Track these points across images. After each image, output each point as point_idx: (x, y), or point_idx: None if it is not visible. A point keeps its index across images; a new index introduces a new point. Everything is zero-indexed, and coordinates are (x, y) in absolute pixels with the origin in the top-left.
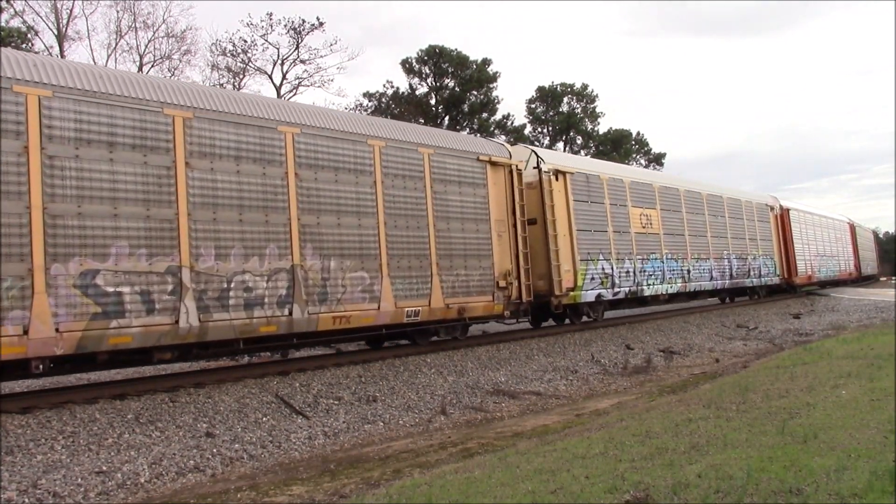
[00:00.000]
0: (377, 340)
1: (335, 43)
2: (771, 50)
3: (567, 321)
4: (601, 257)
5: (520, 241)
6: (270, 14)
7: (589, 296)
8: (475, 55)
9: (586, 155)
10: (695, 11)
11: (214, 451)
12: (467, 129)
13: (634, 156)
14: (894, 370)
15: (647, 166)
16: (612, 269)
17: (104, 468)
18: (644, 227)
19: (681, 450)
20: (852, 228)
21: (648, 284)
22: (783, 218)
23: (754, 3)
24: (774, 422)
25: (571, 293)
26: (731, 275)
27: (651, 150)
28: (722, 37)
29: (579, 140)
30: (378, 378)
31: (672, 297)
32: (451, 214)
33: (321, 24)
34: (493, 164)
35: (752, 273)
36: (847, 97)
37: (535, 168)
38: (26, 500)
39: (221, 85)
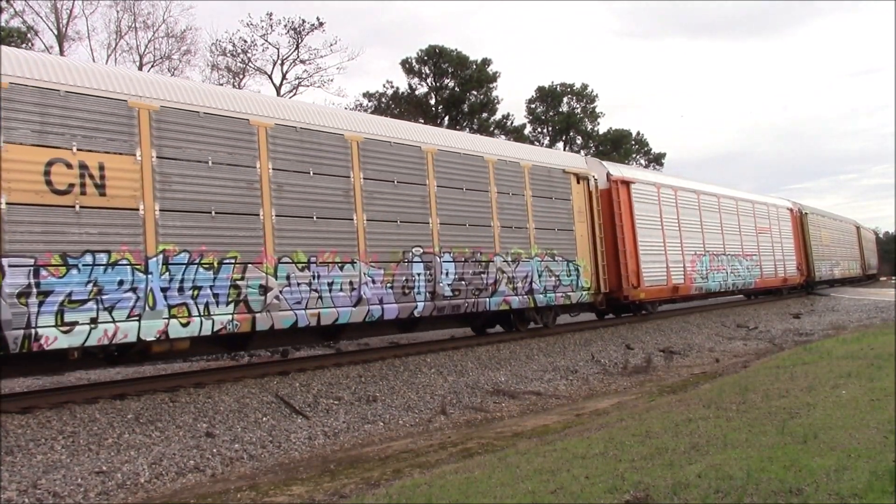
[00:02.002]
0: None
1: (335, 43)
2: (771, 50)
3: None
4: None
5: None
6: (270, 14)
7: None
8: (475, 55)
9: (586, 155)
10: (695, 13)
11: (214, 451)
12: (467, 129)
13: (634, 156)
14: (894, 370)
15: (646, 166)
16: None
17: (104, 468)
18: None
19: (681, 450)
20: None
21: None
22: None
23: (754, 3)
24: (774, 422)
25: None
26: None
27: (651, 150)
28: (722, 39)
29: (579, 140)
30: (378, 378)
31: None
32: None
33: (321, 24)
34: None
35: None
36: (847, 97)
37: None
38: (26, 500)
39: (221, 84)
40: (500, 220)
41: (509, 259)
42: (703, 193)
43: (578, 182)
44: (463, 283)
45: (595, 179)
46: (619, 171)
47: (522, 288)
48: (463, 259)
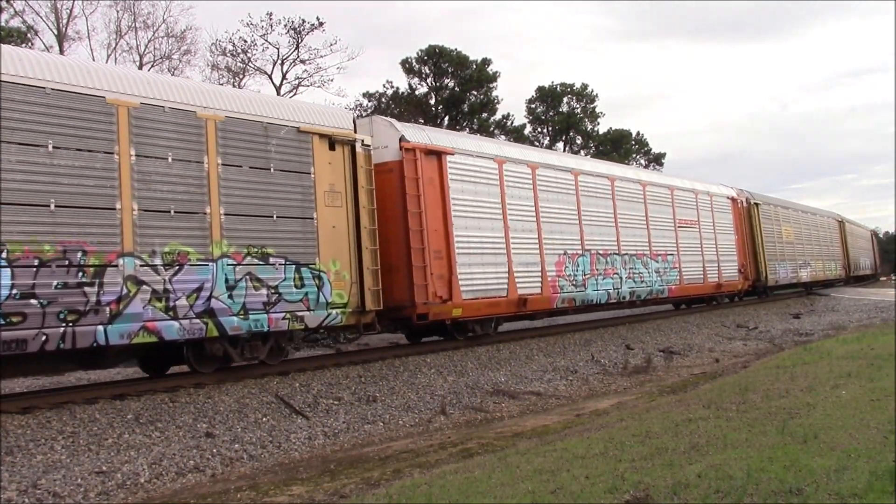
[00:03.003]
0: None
1: (335, 43)
2: (770, 50)
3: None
4: None
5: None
6: (270, 14)
7: None
8: (475, 55)
9: (586, 155)
10: (695, 13)
11: (214, 451)
12: (467, 129)
13: (634, 156)
14: (894, 370)
15: (646, 166)
16: None
17: (104, 468)
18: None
19: (681, 450)
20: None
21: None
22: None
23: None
24: (774, 422)
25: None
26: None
27: (651, 150)
28: (722, 40)
29: (579, 140)
30: (378, 378)
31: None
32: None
33: (321, 24)
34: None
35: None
36: (847, 97)
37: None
38: (26, 500)
39: (221, 84)
40: (137, 202)
41: (157, 262)
42: (586, 174)
43: (333, 148)
44: (33, 301)
45: (366, 146)
46: (423, 135)
47: (191, 307)
48: (35, 262)
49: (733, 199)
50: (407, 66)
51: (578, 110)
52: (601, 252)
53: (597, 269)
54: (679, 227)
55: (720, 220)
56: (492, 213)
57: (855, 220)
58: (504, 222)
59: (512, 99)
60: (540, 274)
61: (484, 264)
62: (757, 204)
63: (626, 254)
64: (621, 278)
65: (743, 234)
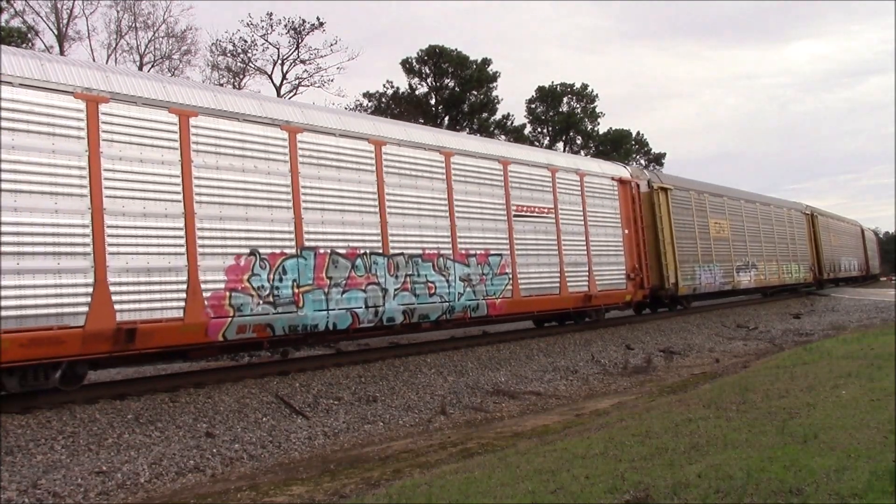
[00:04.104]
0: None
1: (335, 43)
2: (770, 50)
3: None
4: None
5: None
6: (270, 14)
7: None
8: (475, 55)
9: (586, 155)
10: (695, 14)
11: (214, 451)
12: (467, 129)
13: (634, 156)
14: (894, 370)
15: (646, 166)
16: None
17: (104, 468)
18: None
19: (681, 450)
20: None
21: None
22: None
23: (754, 4)
24: (774, 422)
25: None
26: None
27: (651, 150)
28: (721, 40)
29: (579, 140)
30: (378, 378)
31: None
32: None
33: (321, 24)
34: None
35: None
36: (847, 97)
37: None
38: (26, 500)
39: (221, 84)
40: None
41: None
42: (311, 131)
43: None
44: None
45: None
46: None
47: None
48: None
49: (622, 181)
50: (407, 66)
51: (578, 110)
52: (344, 251)
53: (331, 277)
54: (516, 215)
55: (597, 209)
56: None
57: (840, 213)
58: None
59: (512, 99)
60: (185, 285)
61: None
62: (665, 189)
63: (402, 254)
64: (385, 290)
65: (639, 227)
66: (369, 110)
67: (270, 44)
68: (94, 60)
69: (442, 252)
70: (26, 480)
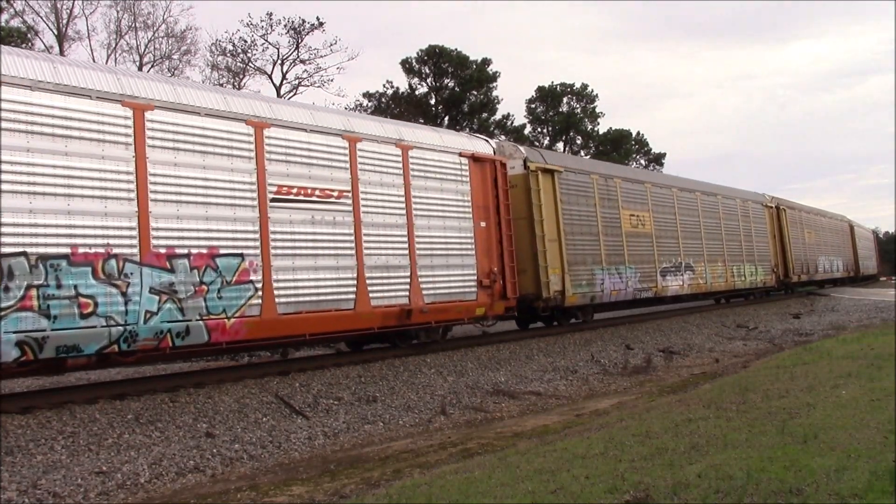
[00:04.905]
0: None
1: (335, 43)
2: (770, 50)
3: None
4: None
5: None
6: (270, 14)
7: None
8: (475, 55)
9: (586, 155)
10: (694, 14)
11: (214, 451)
12: (467, 129)
13: (634, 156)
14: (894, 370)
15: (646, 166)
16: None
17: (104, 468)
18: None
19: (681, 450)
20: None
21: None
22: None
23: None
24: (774, 422)
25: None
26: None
27: (651, 150)
28: (721, 40)
29: (579, 140)
30: (378, 378)
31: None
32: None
33: (321, 24)
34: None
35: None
36: (847, 97)
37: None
38: (26, 501)
39: (222, 85)
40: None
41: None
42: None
43: None
44: None
45: None
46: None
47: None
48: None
49: (476, 159)
50: (407, 66)
51: (578, 110)
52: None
53: None
54: (277, 200)
55: (431, 194)
56: None
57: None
58: None
59: (512, 99)
60: None
61: None
62: (549, 171)
63: (23, 253)
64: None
65: (503, 219)
66: (369, 110)
67: (270, 44)
68: (94, 61)
69: (115, 251)
70: (26, 480)
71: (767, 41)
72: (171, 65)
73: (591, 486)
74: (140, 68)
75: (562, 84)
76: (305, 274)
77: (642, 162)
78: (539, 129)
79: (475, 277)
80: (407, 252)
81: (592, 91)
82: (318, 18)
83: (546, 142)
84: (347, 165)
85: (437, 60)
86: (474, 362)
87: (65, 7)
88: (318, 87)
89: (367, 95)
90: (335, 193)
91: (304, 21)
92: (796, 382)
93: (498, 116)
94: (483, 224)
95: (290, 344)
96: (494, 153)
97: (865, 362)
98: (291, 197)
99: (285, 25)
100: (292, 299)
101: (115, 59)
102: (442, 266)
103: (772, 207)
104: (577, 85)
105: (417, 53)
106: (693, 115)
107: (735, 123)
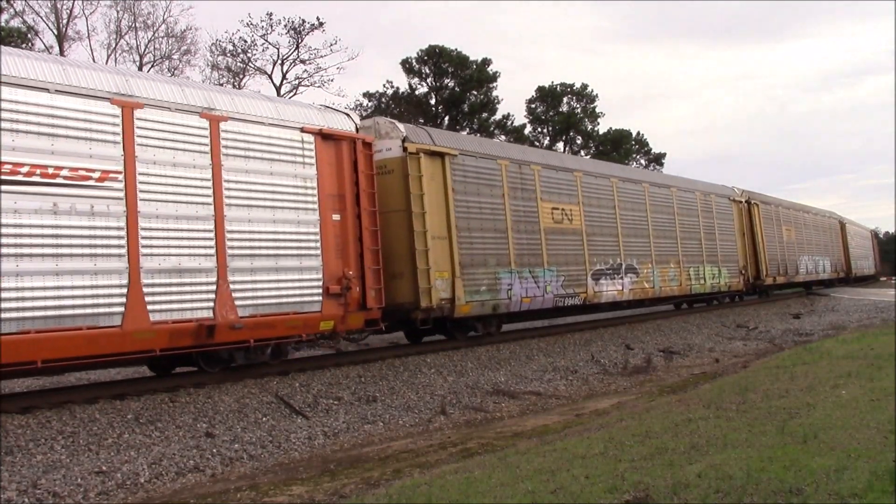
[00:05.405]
0: None
1: (335, 43)
2: (770, 50)
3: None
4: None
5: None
6: (270, 14)
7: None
8: (475, 55)
9: (586, 155)
10: (694, 14)
11: (214, 451)
12: (467, 130)
13: (635, 156)
14: (894, 370)
15: (647, 166)
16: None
17: (104, 468)
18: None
19: (681, 450)
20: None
21: None
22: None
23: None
24: (774, 422)
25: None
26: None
27: (651, 150)
28: (721, 40)
29: (579, 140)
30: (378, 378)
31: None
32: None
33: (321, 24)
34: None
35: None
36: (847, 97)
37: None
38: (26, 500)
39: (222, 84)
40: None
41: None
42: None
43: None
44: None
45: None
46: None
47: None
48: None
49: (325, 136)
50: (407, 66)
51: (578, 110)
52: None
53: None
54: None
55: (256, 178)
56: None
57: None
58: None
59: (512, 99)
60: None
61: None
62: (437, 153)
63: None
64: None
65: (365, 211)
66: (369, 110)
67: (270, 44)
68: (94, 61)
69: None
70: (26, 480)
71: (767, 41)
72: (171, 65)
73: (591, 486)
74: (140, 68)
75: (562, 84)
76: (36, 280)
77: (642, 162)
78: (539, 129)
79: (320, 283)
80: (213, 252)
81: (592, 91)
82: (318, 18)
83: (546, 142)
84: (119, 139)
85: (437, 60)
86: (474, 362)
87: (65, 7)
88: (319, 87)
89: (368, 95)
90: (96, 175)
91: (304, 21)
92: (796, 382)
93: (498, 116)
94: (337, 217)
95: (13, 374)
96: (357, 130)
97: (865, 362)
98: (20, 178)
99: (285, 25)
100: (14, 314)
101: (115, 59)
102: (269, 269)
103: (741, 202)
104: (577, 85)
105: (417, 53)
106: (693, 115)
107: (735, 123)
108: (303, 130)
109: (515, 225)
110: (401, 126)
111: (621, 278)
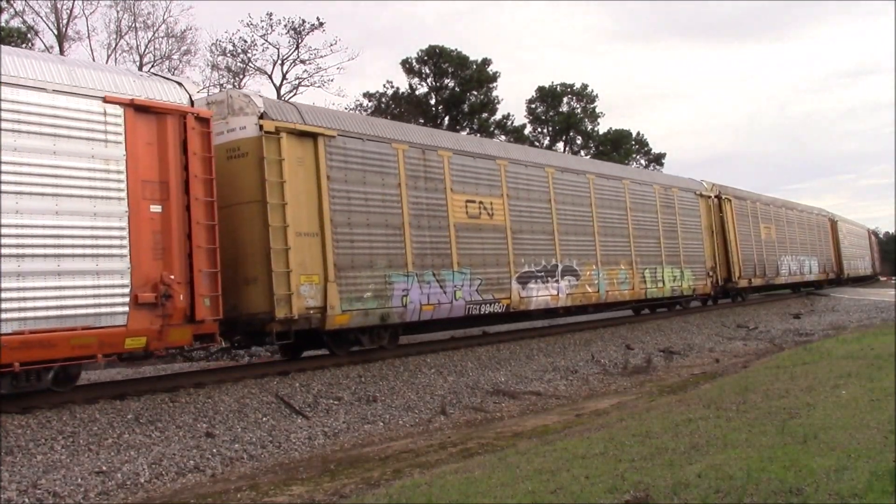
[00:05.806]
0: None
1: (335, 43)
2: (769, 50)
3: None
4: None
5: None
6: (270, 14)
7: None
8: (475, 55)
9: (586, 155)
10: (694, 14)
11: (214, 451)
12: (467, 130)
13: (635, 156)
14: (894, 370)
15: (647, 166)
16: None
17: (104, 468)
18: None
19: (681, 450)
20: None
21: None
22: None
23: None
24: (774, 422)
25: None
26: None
27: (651, 150)
28: (721, 40)
29: (579, 140)
30: (378, 378)
31: None
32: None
33: (321, 24)
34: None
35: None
36: (847, 97)
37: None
38: (26, 500)
39: (222, 85)
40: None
41: None
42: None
43: None
44: None
45: None
46: None
47: None
48: None
49: (138, 107)
50: (407, 66)
51: (578, 110)
52: None
53: None
54: None
55: (47, 160)
56: None
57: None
58: None
59: (512, 99)
60: None
61: None
62: (312, 135)
63: None
64: None
65: (201, 202)
66: (369, 111)
67: (270, 44)
68: (94, 60)
69: None
70: (26, 480)
71: (767, 41)
72: (171, 65)
73: (591, 486)
74: (140, 68)
75: (562, 84)
76: None
77: (642, 162)
78: (539, 129)
79: (127, 290)
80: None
81: (592, 91)
82: (318, 18)
83: (546, 142)
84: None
85: (437, 60)
86: (474, 362)
87: (65, 7)
88: (319, 87)
89: (368, 95)
90: None
91: (304, 21)
92: (796, 382)
93: (498, 116)
94: (156, 209)
95: None
96: (192, 104)
97: (865, 362)
98: None
99: (285, 26)
100: None
101: (115, 59)
102: (46, 273)
103: (709, 197)
104: (577, 85)
105: (417, 53)
106: (693, 115)
107: (735, 123)
108: (105, 101)
109: (415, 220)
110: (258, 100)
111: (556, 282)
